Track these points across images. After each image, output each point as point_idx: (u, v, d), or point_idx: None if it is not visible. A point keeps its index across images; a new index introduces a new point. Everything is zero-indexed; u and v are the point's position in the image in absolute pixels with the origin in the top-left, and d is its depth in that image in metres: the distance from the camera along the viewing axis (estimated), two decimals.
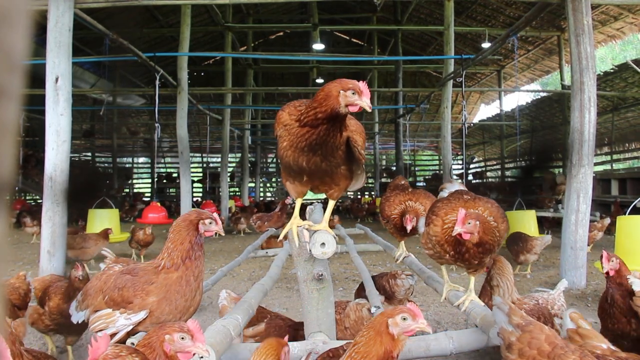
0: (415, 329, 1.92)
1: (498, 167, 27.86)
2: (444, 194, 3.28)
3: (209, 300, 6.05)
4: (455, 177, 25.94)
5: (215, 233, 2.71)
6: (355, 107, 2.21)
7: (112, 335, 2.62)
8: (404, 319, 1.90)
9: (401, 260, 4.41)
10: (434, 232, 2.87)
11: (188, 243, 2.59)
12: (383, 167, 27.17)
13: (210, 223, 2.64)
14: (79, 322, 2.82)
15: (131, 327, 2.58)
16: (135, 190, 29.02)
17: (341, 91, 2.20)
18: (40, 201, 8.48)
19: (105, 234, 8.41)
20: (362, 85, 2.23)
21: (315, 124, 2.27)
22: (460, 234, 2.70)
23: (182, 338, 2.02)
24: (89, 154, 28.21)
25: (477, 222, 2.66)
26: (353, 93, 2.20)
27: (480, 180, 27.74)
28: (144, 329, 2.62)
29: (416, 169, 33.18)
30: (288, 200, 11.53)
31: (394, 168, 25.64)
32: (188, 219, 2.65)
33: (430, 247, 2.98)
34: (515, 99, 25.57)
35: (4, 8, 0.38)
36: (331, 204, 2.77)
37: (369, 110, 2.24)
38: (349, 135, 2.43)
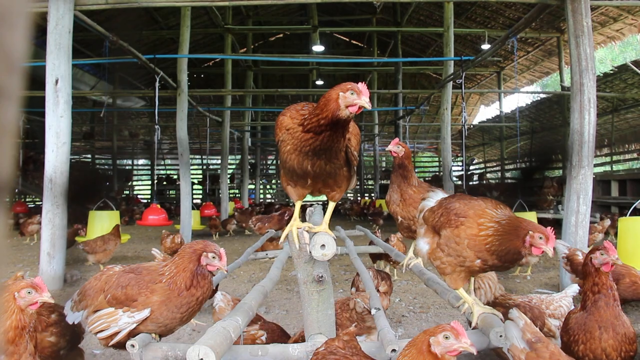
0: (458, 348, 1.86)
1: (498, 168, 27.87)
2: (429, 202, 2.96)
3: (209, 301, 6.04)
4: (455, 178, 25.88)
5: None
6: (355, 107, 2.22)
7: (114, 335, 2.61)
8: (446, 337, 1.85)
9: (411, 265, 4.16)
10: (467, 234, 2.59)
11: (190, 273, 2.61)
12: (383, 169, 27.18)
13: (213, 257, 2.63)
14: (75, 322, 2.82)
15: (134, 325, 2.58)
16: (132, 193, 29.05)
17: (340, 93, 2.22)
18: (40, 203, 8.50)
19: (117, 232, 8.66)
20: (361, 85, 2.24)
21: (319, 130, 2.28)
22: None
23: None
24: (89, 155, 28.24)
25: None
26: (352, 93, 2.21)
27: (479, 182, 27.73)
28: (145, 329, 2.62)
29: (416, 170, 33.15)
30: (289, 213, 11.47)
31: None
32: (192, 248, 2.66)
33: (453, 254, 2.65)
34: (515, 100, 25.61)
35: (3, 8, 0.38)
36: (331, 205, 2.78)
37: (369, 107, 2.24)
38: (348, 137, 2.45)
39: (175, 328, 2.71)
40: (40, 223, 11.16)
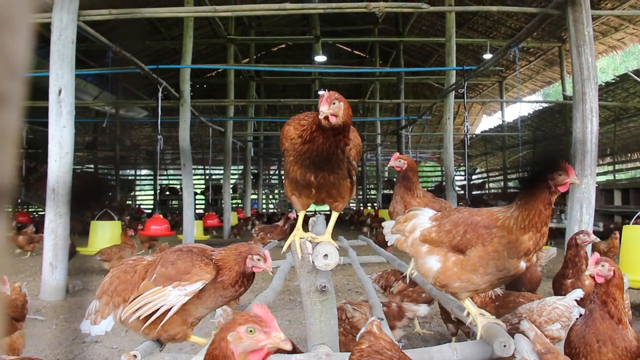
0: None
1: (500, 178, 27.82)
2: (421, 220, 2.78)
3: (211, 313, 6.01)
4: (458, 188, 25.80)
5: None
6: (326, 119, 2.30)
7: (162, 316, 2.45)
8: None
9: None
10: (504, 243, 2.46)
11: (235, 273, 2.50)
12: (385, 179, 27.14)
13: (258, 260, 2.52)
14: (107, 331, 2.60)
15: (186, 299, 2.41)
16: (135, 203, 29.06)
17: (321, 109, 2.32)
18: (43, 213, 8.49)
19: (129, 238, 8.84)
20: (324, 94, 2.28)
21: (310, 138, 2.34)
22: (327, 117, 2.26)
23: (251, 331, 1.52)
24: (92, 165, 28.30)
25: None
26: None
27: (480, 191, 27.67)
28: (186, 314, 2.50)
29: (419, 180, 33.08)
30: (292, 215, 11.43)
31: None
32: (238, 250, 2.56)
33: (492, 271, 2.52)
34: (517, 109, 25.60)
35: (5, 13, 0.38)
36: (334, 216, 2.78)
37: (328, 116, 2.29)
38: (350, 148, 2.47)
39: (202, 318, 2.64)
40: (30, 236, 11.16)
